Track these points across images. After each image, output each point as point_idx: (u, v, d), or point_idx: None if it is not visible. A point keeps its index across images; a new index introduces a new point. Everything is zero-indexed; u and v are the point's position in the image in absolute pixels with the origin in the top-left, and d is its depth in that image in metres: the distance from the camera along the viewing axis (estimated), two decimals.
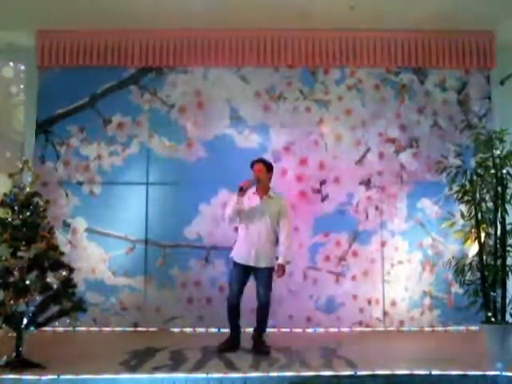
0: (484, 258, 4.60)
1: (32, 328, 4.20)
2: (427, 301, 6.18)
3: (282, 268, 4.75)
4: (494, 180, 4.62)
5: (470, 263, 4.69)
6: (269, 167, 4.91)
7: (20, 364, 4.04)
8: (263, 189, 4.86)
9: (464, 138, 6.07)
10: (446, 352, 4.81)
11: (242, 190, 4.69)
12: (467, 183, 4.72)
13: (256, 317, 4.85)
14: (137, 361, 4.39)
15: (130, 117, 6.36)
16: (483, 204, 4.68)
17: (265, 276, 4.75)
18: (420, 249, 6.26)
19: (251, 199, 4.81)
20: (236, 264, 4.83)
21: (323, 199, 6.29)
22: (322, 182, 6.31)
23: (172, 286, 6.12)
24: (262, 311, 4.81)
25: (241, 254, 4.80)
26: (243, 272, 4.79)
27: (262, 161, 4.93)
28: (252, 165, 4.89)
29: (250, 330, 4.92)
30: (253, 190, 4.83)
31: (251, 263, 4.74)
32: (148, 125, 6.35)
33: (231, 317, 4.82)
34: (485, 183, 4.69)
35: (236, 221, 4.91)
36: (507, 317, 4.49)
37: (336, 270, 6.21)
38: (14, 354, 4.11)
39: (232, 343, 4.80)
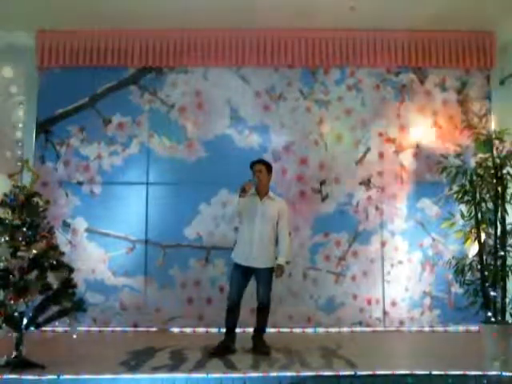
0: (484, 258, 4.60)
1: (32, 328, 4.20)
2: (427, 301, 6.18)
3: (281, 268, 4.75)
4: (494, 180, 4.62)
5: (470, 263, 4.69)
6: (269, 168, 4.91)
7: (20, 364, 4.04)
8: (263, 190, 4.85)
9: (464, 138, 6.06)
10: (446, 352, 4.81)
11: (244, 191, 4.66)
12: (467, 183, 4.72)
13: (256, 317, 4.84)
14: (137, 361, 4.39)
15: (130, 117, 6.35)
16: (483, 204, 4.68)
17: (265, 276, 4.76)
18: (420, 249, 6.26)
19: (251, 200, 4.80)
20: (237, 265, 4.82)
21: (323, 199, 6.29)
22: (322, 182, 6.31)
23: (172, 286, 6.12)
24: (263, 311, 4.81)
25: (241, 255, 4.79)
26: (244, 273, 4.78)
27: (262, 161, 4.93)
28: (252, 165, 4.88)
29: (250, 330, 4.93)
30: (253, 191, 4.82)
31: (252, 264, 4.74)
32: (148, 125, 6.35)
33: (229, 319, 4.79)
34: (485, 183, 4.69)
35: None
36: (507, 317, 4.50)
37: (336, 270, 6.21)
38: (14, 353, 4.11)
39: (224, 348, 4.68)
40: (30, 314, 4.15)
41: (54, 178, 6.23)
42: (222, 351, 4.63)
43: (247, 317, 5.00)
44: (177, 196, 6.24)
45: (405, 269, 6.23)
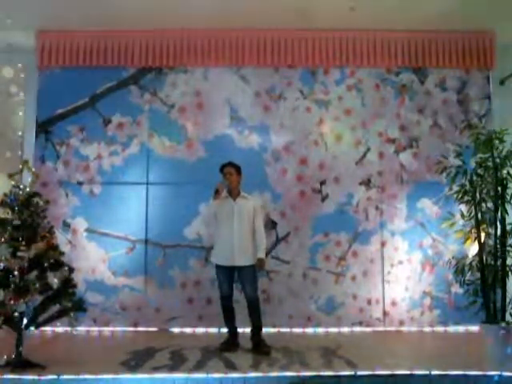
0: (484, 257, 4.60)
1: (32, 328, 4.21)
2: (427, 301, 6.18)
3: (262, 262, 4.86)
4: (494, 180, 4.62)
5: (470, 263, 4.69)
6: (238, 170, 5.03)
7: (20, 364, 4.04)
8: (235, 191, 4.99)
9: (464, 138, 6.05)
10: (446, 352, 4.81)
11: (217, 193, 4.84)
12: (467, 183, 4.72)
13: (249, 315, 4.88)
14: (137, 361, 4.39)
15: (130, 117, 6.35)
16: (483, 204, 4.68)
17: (249, 273, 4.85)
18: (420, 249, 6.25)
19: (225, 201, 4.92)
20: (220, 267, 4.92)
21: (323, 199, 6.29)
22: (322, 182, 6.31)
23: (172, 286, 6.12)
24: (253, 307, 4.87)
25: (222, 255, 4.89)
26: (228, 272, 4.88)
27: (231, 164, 5.03)
28: (222, 168, 5.00)
29: (249, 330, 4.94)
30: (225, 193, 4.94)
31: (235, 263, 4.83)
32: (148, 125, 6.35)
33: (227, 317, 4.95)
34: (485, 183, 4.69)
35: (212, 225, 5.09)
36: (507, 317, 4.49)
37: (336, 270, 6.21)
38: (14, 353, 4.11)
39: (232, 342, 4.89)
40: (30, 314, 4.15)
41: (53, 178, 6.23)
42: (231, 346, 4.84)
43: (245, 318, 4.99)
44: (177, 196, 6.24)
45: (405, 269, 6.22)
